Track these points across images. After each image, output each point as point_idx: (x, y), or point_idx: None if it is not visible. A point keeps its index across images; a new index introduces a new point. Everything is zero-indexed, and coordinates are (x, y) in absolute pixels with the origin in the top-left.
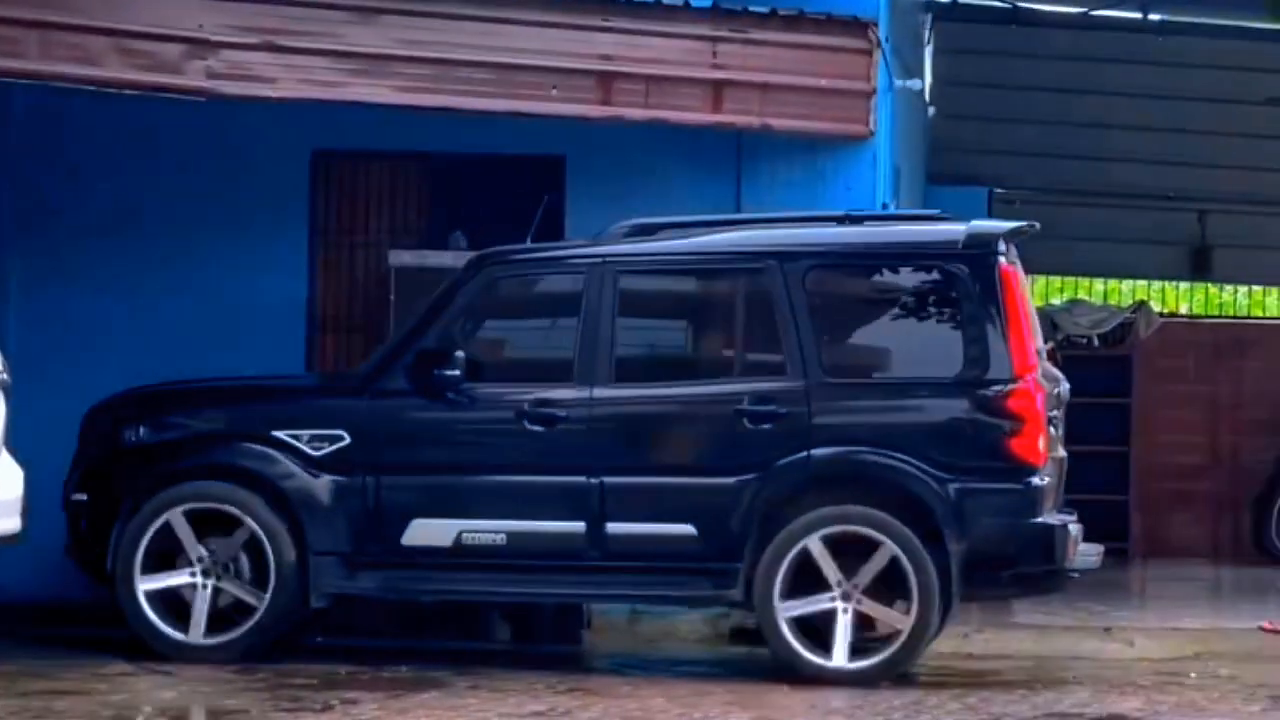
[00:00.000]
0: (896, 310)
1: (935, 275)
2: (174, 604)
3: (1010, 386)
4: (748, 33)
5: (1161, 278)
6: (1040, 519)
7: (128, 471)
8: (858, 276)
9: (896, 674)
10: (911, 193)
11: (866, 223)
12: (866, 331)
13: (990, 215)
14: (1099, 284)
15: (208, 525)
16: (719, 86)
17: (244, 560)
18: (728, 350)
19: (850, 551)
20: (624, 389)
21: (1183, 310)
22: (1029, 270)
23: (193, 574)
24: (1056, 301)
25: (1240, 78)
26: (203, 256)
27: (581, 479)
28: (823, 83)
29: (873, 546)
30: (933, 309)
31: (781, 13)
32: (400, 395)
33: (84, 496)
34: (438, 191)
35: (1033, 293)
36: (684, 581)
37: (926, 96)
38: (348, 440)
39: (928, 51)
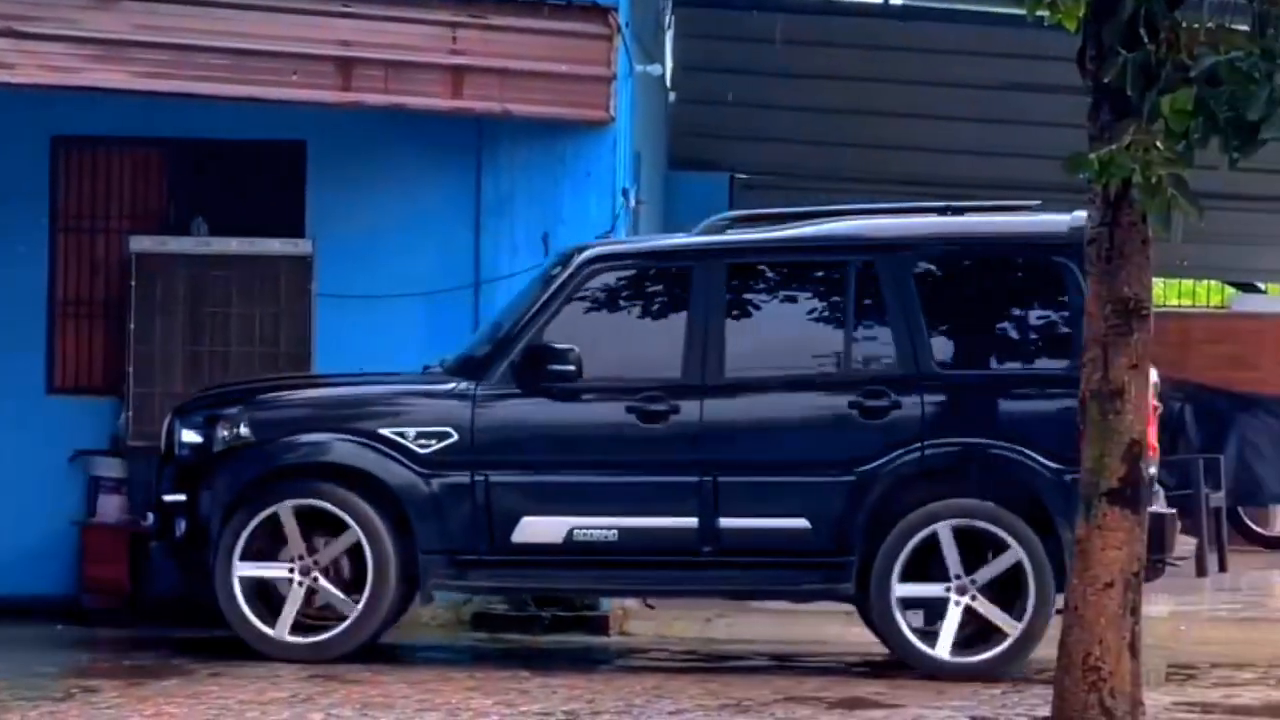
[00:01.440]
0: (1003, 301)
1: (1041, 267)
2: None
3: None
4: (488, 18)
5: None
6: (1153, 508)
7: (229, 470)
8: (965, 268)
9: (1006, 671)
10: (652, 178)
11: (966, 214)
12: (974, 323)
13: (731, 201)
14: None
15: (311, 526)
16: (459, 72)
17: (344, 562)
18: (838, 342)
19: (964, 545)
20: (735, 382)
21: None
22: None
23: (290, 569)
24: None
25: (979, 63)
26: None
27: (694, 474)
28: (563, 68)
29: (993, 543)
30: (1039, 300)
31: None
32: (509, 392)
33: (183, 496)
34: (178, 177)
35: None
36: (796, 575)
37: (667, 82)
38: (455, 438)
39: (668, 37)
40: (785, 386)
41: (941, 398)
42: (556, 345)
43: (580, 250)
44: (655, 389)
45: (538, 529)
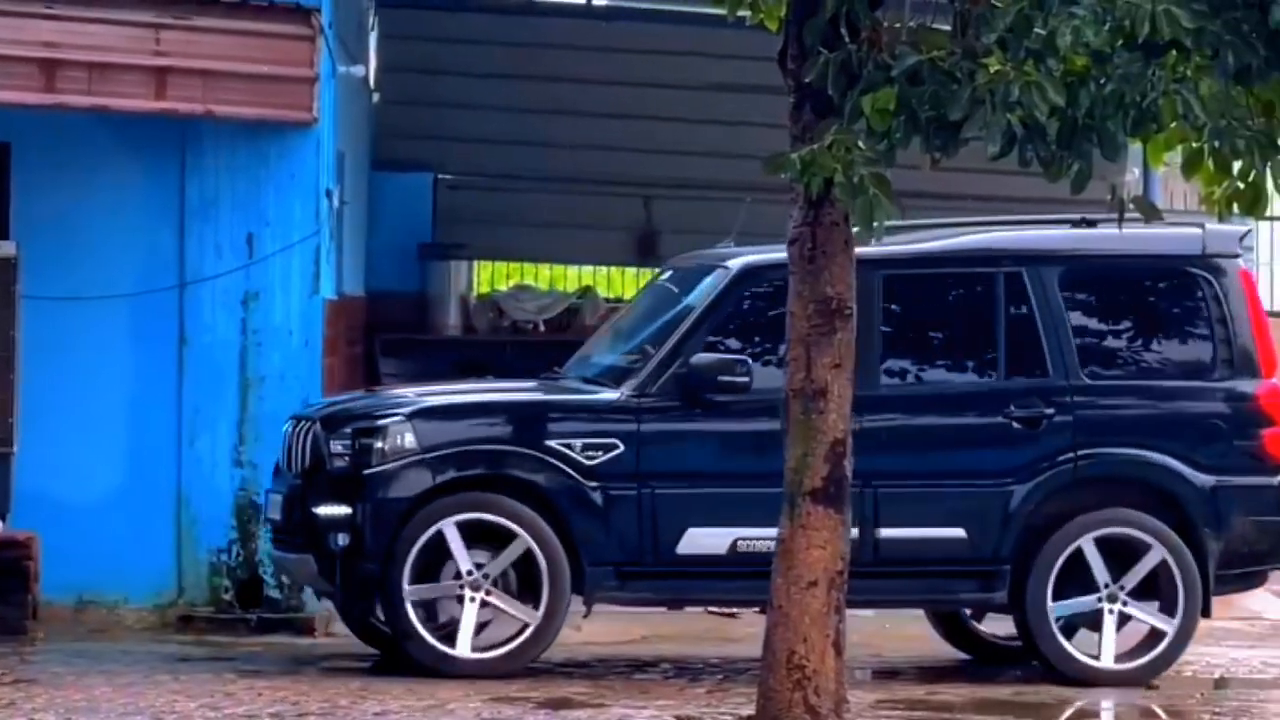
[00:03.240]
0: (1144, 312)
1: (1179, 278)
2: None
3: (1261, 386)
4: (191, 19)
5: (608, 263)
6: None
7: (386, 484)
8: (1107, 279)
9: (1161, 674)
10: (356, 178)
11: (1100, 225)
12: (1117, 333)
13: (435, 201)
14: (546, 269)
15: (476, 538)
16: (162, 73)
17: (512, 574)
18: (991, 352)
19: (1111, 553)
20: (891, 393)
21: (629, 295)
22: (476, 257)
23: (461, 586)
24: (503, 288)
25: (683, 63)
26: None
27: (855, 483)
28: (266, 69)
29: (1139, 549)
30: (1179, 311)
31: None
32: (674, 403)
33: (345, 509)
34: None
35: (479, 280)
36: (952, 584)
37: (371, 83)
38: (621, 449)
39: (372, 38)
40: (939, 397)
41: (1092, 407)
42: (727, 357)
43: (748, 264)
44: None
45: (703, 540)
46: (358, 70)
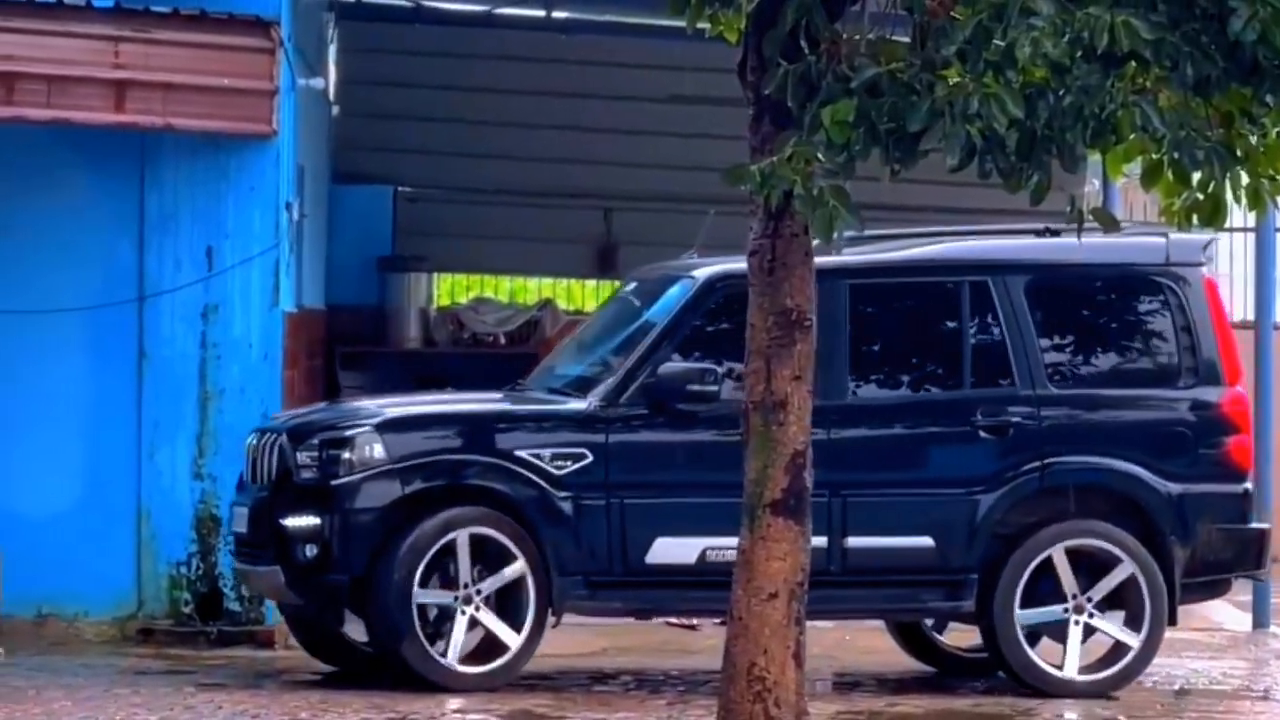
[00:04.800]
0: (1109, 321)
1: (1144, 287)
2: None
3: (1225, 394)
4: (150, 32)
5: (569, 275)
6: (1254, 524)
7: (356, 495)
8: (1072, 289)
9: (1124, 687)
10: (316, 191)
11: (1063, 235)
12: (1082, 342)
13: (395, 214)
14: (506, 281)
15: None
16: (122, 86)
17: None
18: (957, 362)
19: (1077, 563)
20: (860, 401)
21: (590, 308)
22: (436, 269)
23: (455, 598)
24: (463, 300)
25: (643, 75)
26: None
27: (823, 493)
28: (225, 82)
29: (1107, 560)
30: (1143, 319)
31: (184, 12)
32: (642, 412)
33: (315, 520)
34: None
35: (440, 292)
36: (919, 594)
37: (330, 95)
38: (590, 459)
39: (331, 50)
40: (906, 406)
41: (1059, 415)
42: (697, 366)
43: (714, 274)
44: None
45: (672, 550)
46: (317, 83)
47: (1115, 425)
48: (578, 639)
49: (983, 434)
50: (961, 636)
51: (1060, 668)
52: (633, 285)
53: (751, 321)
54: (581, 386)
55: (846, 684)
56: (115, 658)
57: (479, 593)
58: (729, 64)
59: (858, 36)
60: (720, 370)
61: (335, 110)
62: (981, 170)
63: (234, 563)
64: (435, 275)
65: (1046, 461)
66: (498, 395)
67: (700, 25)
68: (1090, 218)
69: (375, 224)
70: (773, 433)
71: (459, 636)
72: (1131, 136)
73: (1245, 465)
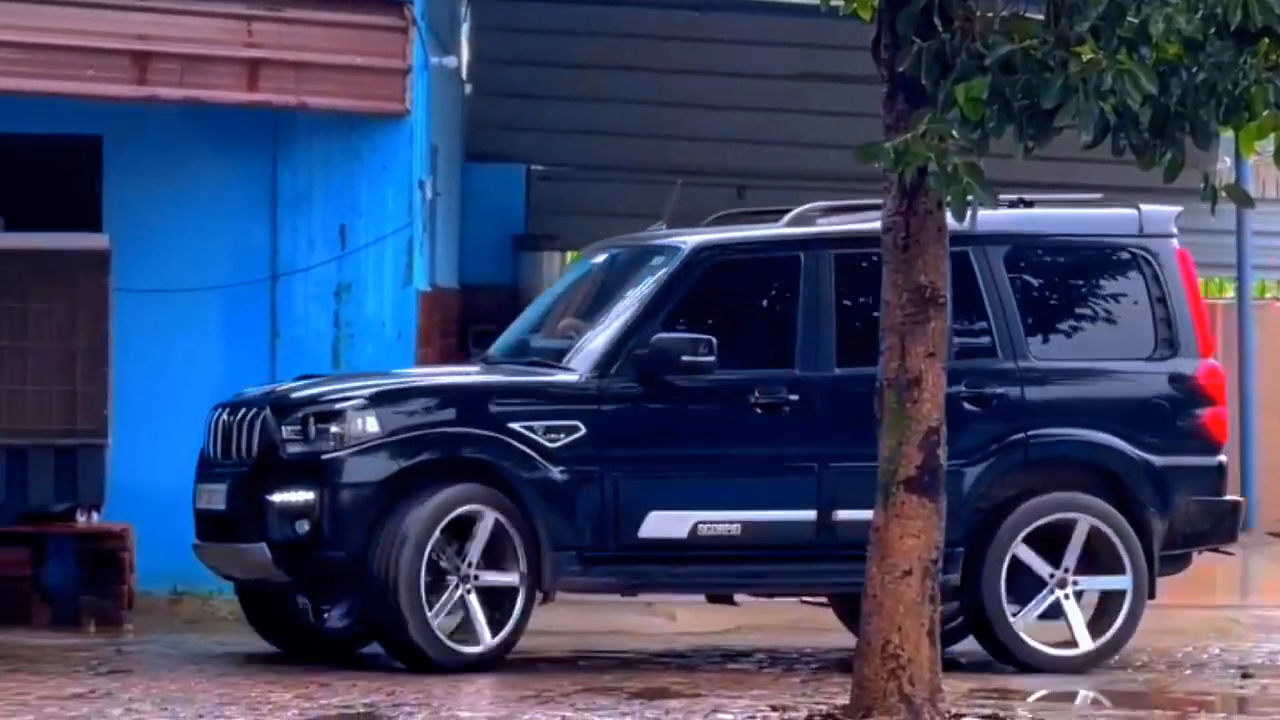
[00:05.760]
0: (1085, 292)
1: (1118, 258)
2: None
3: (1200, 366)
4: (283, 11)
5: None
6: (1228, 496)
7: (352, 469)
8: (1049, 260)
9: (1127, 642)
10: (449, 170)
11: (1036, 206)
12: (1059, 313)
13: (528, 193)
14: None
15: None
16: (255, 65)
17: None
18: None
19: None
20: (847, 371)
21: None
22: (569, 247)
23: (461, 577)
24: None
25: (775, 53)
26: None
27: (811, 465)
28: (358, 61)
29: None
30: (1118, 291)
31: None
32: (634, 384)
33: (309, 495)
34: None
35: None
36: None
37: (463, 74)
38: (583, 431)
39: (464, 29)
40: None
41: (1040, 387)
42: (691, 336)
43: (701, 243)
44: (770, 381)
45: (664, 524)
46: (450, 62)
47: (1095, 398)
48: (711, 617)
49: (967, 405)
50: None
51: (1068, 644)
52: (601, 256)
53: (885, 299)
54: (559, 358)
55: (981, 662)
56: (249, 635)
57: (476, 575)
58: (862, 41)
59: (991, 13)
60: (715, 341)
61: (468, 89)
62: (1115, 147)
63: (197, 541)
64: (568, 253)
65: (1030, 433)
66: (476, 367)
67: (834, 3)
68: (1223, 194)
69: (508, 203)
70: (907, 410)
71: (479, 615)
72: (1265, 113)
73: (1220, 437)
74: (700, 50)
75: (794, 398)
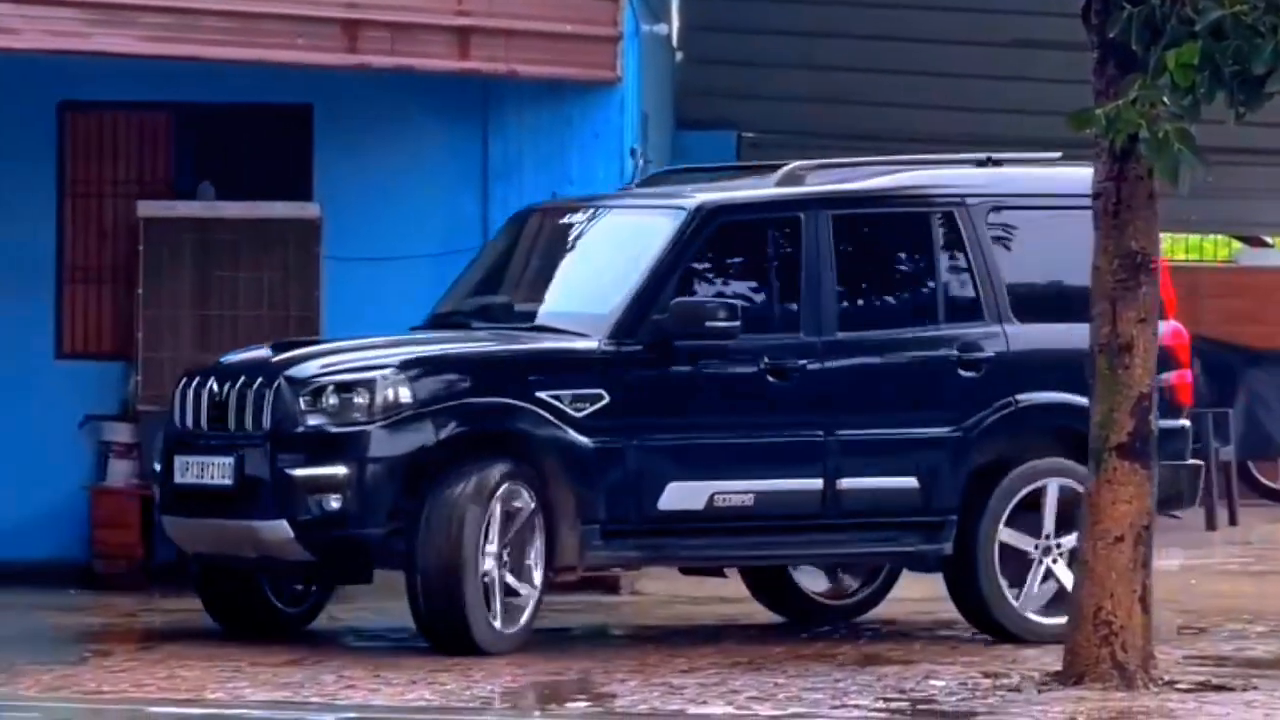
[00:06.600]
0: (1056, 252)
1: (1083, 217)
2: None
3: (1166, 327)
4: None
5: None
6: (1192, 460)
7: (385, 441)
8: (1024, 220)
9: None
10: (659, 137)
11: (1005, 165)
12: (1037, 273)
13: (738, 159)
14: None
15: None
16: (465, 33)
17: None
18: (931, 294)
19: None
20: (847, 339)
21: None
22: None
23: (484, 555)
24: None
25: (987, 20)
26: None
27: (817, 434)
28: (569, 28)
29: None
30: (1087, 251)
31: None
32: (656, 350)
33: (338, 470)
34: (185, 142)
35: None
36: (901, 536)
37: (674, 41)
38: (607, 400)
39: None
40: (888, 342)
41: (1025, 350)
42: (714, 301)
43: (703, 204)
44: (778, 346)
45: (682, 495)
46: (661, 29)
47: (1072, 360)
48: (922, 585)
49: (960, 370)
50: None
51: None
52: (586, 214)
53: (1096, 264)
54: (565, 323)
55: (1192, 628)
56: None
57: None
58: (1072, 8)
59: None
60: (738, 305)
61: (678, 56)
62: None
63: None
64: None
65: (1018, 397)
66: (487, 335)
67: None
68: None
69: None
70: (1118, 376)
71: (527, 605)
72: None
73: (1185, 400)
74: (912, 16)
75: (803, 364)
